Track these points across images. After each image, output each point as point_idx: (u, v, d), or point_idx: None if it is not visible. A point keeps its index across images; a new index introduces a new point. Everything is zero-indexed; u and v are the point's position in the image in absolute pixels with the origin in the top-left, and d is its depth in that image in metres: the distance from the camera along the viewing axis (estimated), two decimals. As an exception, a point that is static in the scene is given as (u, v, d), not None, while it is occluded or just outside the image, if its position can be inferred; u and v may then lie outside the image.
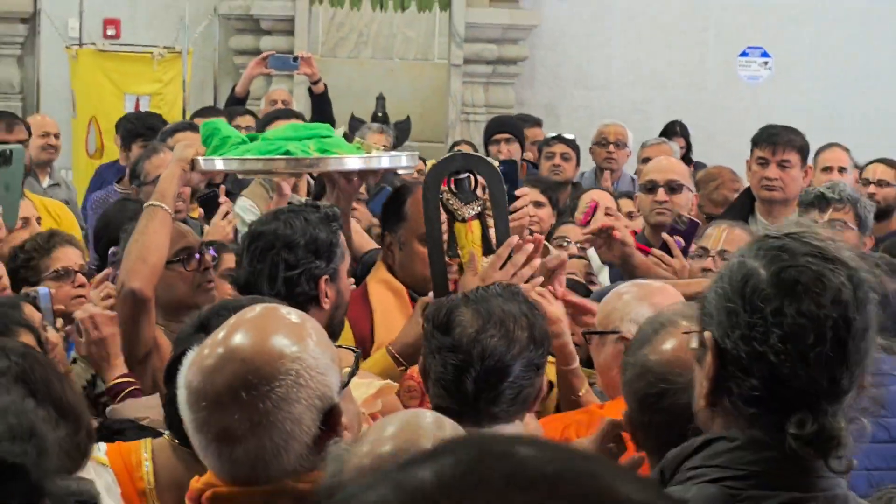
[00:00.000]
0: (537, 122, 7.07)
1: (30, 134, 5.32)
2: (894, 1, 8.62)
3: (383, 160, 3.59)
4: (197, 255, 3.28)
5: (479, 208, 2.75)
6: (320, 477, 1.50)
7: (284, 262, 2.72)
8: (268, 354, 1.54)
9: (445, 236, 2.88)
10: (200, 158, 3.11)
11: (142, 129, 5.44)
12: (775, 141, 4.46)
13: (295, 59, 6.34)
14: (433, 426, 1.49)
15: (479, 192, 2.81)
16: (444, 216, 2.86)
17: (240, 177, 3.91)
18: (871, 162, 5.58)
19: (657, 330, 1.98)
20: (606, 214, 4.61)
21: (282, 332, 1.59)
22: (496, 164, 3.02)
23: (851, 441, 1.36)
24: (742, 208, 4.52)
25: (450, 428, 1.49)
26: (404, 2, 8.01)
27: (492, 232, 2.93)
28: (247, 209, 4.33)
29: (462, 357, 2.07)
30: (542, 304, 2.55)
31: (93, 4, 7.98)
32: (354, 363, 1.78)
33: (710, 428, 1.39)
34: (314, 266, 2.74)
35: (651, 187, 4.20)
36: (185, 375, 1.54)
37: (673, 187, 4.16)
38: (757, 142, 4.54)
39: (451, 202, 2.73)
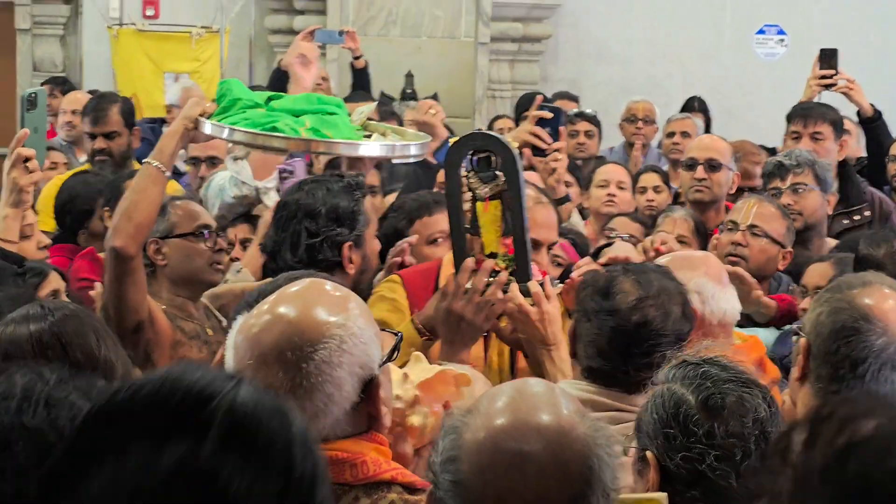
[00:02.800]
0: (573, 98, 7.07)
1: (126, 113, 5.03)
2: None
3: (370, 148, 3.31)
4: (207, 232, 3.25)
5: (498, 189, 2.68)
6: (350, 446, 1.52)
7: (306, 230, 2.76)
8: (314, 319, 1.55)
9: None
10: (206, 121, 3.00)
11: None
12: (807, 114, 4.48)
13: (340, 33, 6.23)
14: (547, 394, 1.45)
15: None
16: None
17: (228, 145, 3.79)
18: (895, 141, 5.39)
19: (865, 284, 2.07)
20: (619, 188, 4.70)
21: (327, 302, 1.61)
22: (515, 145, 2.92)
23: None
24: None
25: (564, 398, 1.45)
26: None
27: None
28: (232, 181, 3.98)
29: (620, 322, 2.16)
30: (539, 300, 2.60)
31: None
32: (395, 344, 1.78)
33: None
34: (336, 233, 2.76)
35: (691, 164, 4.20)
36: (234, 336, 1.56)
37: (713, 165, 4.15)
38: (790, 117, 4.56)
39: (471, 180, 2.68)
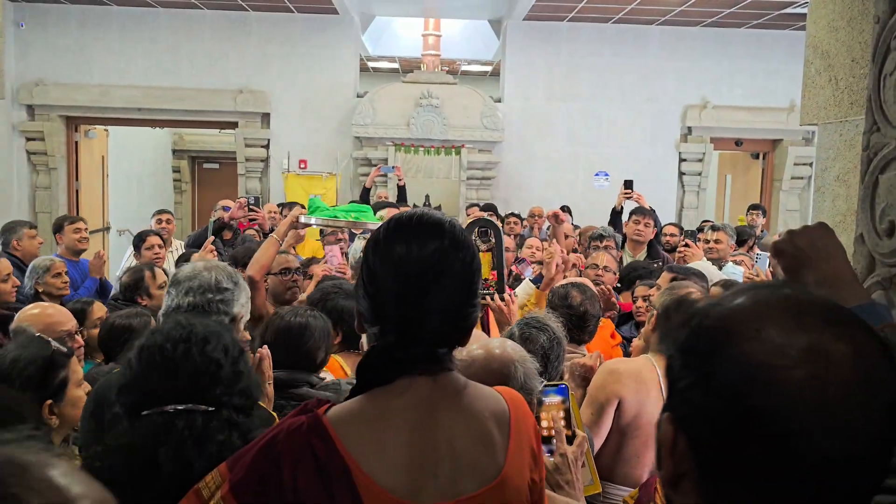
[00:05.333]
0: (494, 207, 7.91)
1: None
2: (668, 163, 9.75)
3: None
4: (289, 272, 3.47)
5: (490, 245, 2.81)
6: None
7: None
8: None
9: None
10: (301, 216, 3.34)
11: None
12: (643, 212, 5.31)
13: (393, 167, 8.19)
14: (499, 341, 1.69)
15: (492, 238, 2.89)
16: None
17: (313, 225, 3.79)
18: (667, 224, 6.42)
19: (682, 286, 2.42)
20: (529, 249, 5.33)
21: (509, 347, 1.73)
22: (500, 224, 3.43)
23: None
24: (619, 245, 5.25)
25: (509, 342, 1.70)
26: (439, 151, 9.17)
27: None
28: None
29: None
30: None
31: (294, 151, 9.32)
32: None
33: None
34: None
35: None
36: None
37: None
38: (632, 214, 5.38)
39: (477, 241, 2.81)
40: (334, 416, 1.18)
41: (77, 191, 9.58)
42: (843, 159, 1.65)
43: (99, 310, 3.33)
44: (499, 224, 3.10)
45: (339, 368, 2.58)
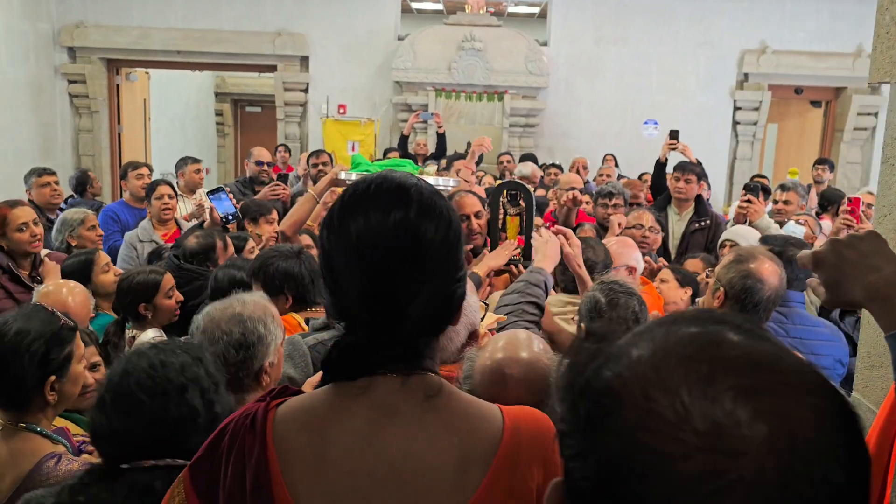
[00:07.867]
0: (534, 157, 8.06)
1: (332, 161, 5.83)
2: (722, 104, 9.38)
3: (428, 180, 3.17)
4: None
5: (519, 210, 2.81)
6: (457, 368, 1.57)
7: None
8: None
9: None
10: (342, 172, 3.30)
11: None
12: (683, 167, 4.91)
13: (431, 114, 7.91)
14: (527, 340, 1.48)
15: (521, 202, 2.87)
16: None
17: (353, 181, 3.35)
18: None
19: (752, 254, 2.16)
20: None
21: None
22: (532, 188, 3.17)
23: None
24: (663, 201, 5.00)
25: (538, 342, 1.47)
26: (481, 97, 9.10)
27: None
28: None
29: None
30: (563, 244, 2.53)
31: (333, 96, 9.28)
32: (485, 310, 1.91)
33: None
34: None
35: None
36: None
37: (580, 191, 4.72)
38: (675, 169, 4.95)
39: (505, 205, 2.81)
40: (283, 411, 1.03)
41: (119, 134, 9.74)
42: (917, 126, 1.34)
43: (103, 258, 3.36)
44: (530, 188, 2.93)
45: (297, 326, 2.52)
